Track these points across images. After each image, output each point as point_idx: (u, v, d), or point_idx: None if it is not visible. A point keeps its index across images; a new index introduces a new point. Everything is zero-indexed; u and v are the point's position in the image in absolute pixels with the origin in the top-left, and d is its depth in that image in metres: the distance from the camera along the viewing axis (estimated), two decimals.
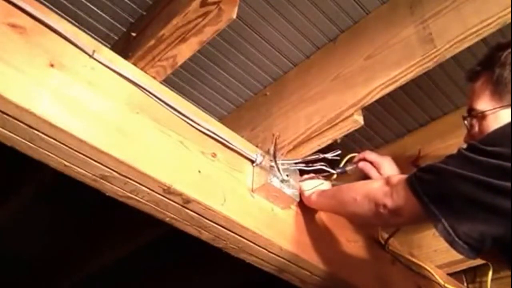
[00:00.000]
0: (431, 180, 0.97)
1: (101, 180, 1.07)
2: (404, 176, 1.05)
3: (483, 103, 1.11)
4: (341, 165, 1.42)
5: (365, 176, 1.37)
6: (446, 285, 1.76)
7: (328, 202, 1.31)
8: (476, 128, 1.12)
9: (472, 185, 0.89)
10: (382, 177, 1.27)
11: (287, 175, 1.31)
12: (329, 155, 1.35)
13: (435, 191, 0.96)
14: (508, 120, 1.01)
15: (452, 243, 0.92)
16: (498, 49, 1.11)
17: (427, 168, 1.00)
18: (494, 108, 1.08)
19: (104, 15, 1.52)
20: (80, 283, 2.62)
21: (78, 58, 1.04)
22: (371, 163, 1.38)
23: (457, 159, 0.95)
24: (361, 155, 1.41)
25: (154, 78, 1.28)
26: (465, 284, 2.02)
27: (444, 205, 0.93)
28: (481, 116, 1.10)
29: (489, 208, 0.87)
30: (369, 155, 1.39)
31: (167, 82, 1.54)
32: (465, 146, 0.98)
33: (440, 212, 0.93)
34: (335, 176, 1.40)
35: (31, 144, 0.99)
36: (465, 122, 1.16)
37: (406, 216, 1.04)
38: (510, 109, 1.05)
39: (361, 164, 1.39)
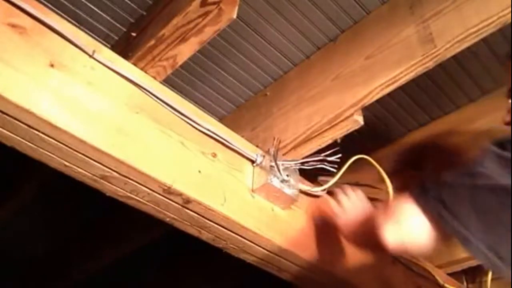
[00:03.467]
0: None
1: (101, 180, 1.07)
2: None
3: None
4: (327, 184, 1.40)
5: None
6: (446, 285, 1.75)
7: None
8: None
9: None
10: None
11: (287, 175, 1.31)
12: (329, 156, 1.35)
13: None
14: None
15: None
16: None
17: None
18: None
19: (104, 15, 1.52)
20: (80, 283, 2.62)
21: (78, 58, 1.04)
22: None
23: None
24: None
25: (154, 78, 1.28)
26: (465, 284, 2.02)
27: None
28: None
29: None
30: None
31: (167, 82, 1.54)
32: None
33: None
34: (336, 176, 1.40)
35: (31, 144, 0.99)
36: (510, 101, 1.04)
37: None
38: None
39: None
